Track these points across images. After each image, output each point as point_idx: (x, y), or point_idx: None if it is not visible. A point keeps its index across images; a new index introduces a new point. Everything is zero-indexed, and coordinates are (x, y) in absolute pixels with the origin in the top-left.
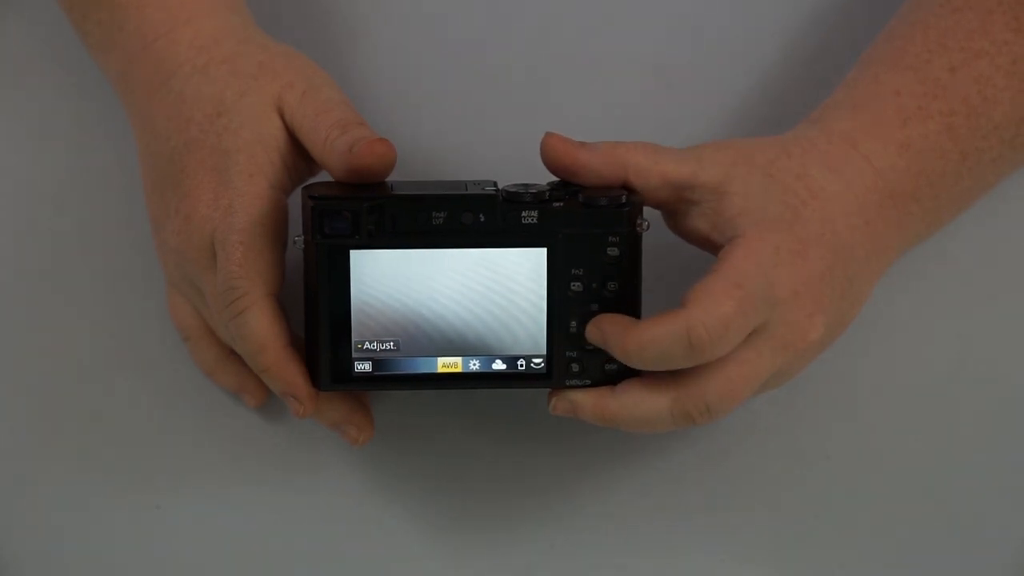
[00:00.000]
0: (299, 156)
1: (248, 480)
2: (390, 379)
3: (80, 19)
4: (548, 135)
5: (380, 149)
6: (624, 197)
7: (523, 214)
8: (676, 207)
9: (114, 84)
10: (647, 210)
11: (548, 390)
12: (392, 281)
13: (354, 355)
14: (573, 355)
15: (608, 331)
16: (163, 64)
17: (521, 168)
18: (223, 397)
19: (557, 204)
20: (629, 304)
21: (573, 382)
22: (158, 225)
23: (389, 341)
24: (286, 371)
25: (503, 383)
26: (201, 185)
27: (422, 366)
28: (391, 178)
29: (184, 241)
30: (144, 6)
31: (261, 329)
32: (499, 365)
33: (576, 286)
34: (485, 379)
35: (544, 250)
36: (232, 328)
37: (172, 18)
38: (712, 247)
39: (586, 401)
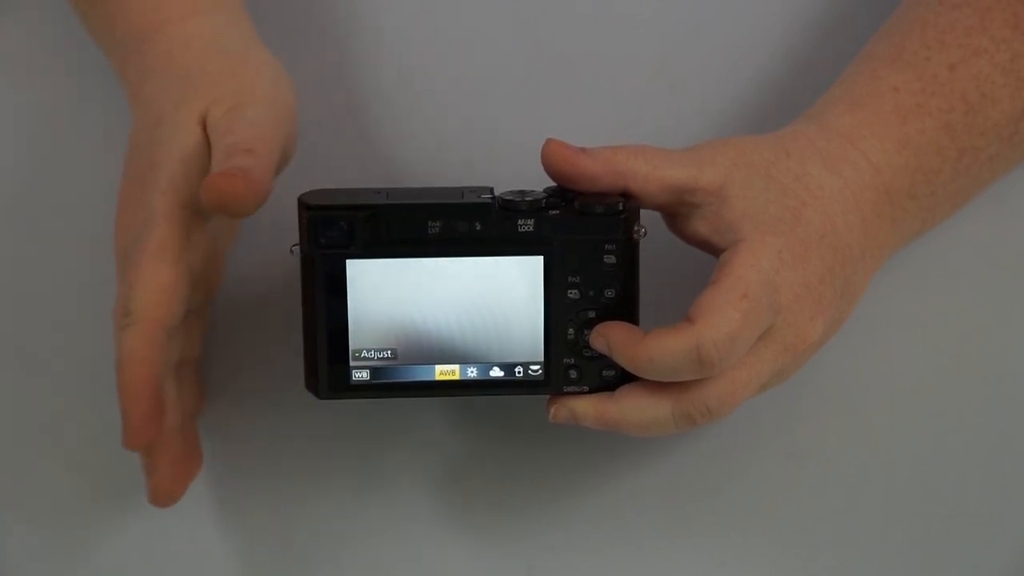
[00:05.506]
0: None
1: (248, 483)
2: (388, 387)
3: (83, 20)
4: (549, 141)
5: (219, 184)
6: (620, 204)
7: (519, 222)
8: (676, 210)
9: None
10: (645, 216)
11: (546, 396)
12: (389, 290)
13: (352, 364)
14: (571, 362)
15: (614, 340)
16: (142, 70)
17: (520, 172)
18: (223, 397)
19: (553, 212)
20: (627, 311)
21: (571, 389)
22: None
23: (387, 350)
24: (130, 394)
25: (501, 390)
26: (129, 194)
27: (420, 374)
28: (387, 186)
29: (115, 245)
30: (129, 11)
31: (127, 349)
32: (496, 372)
33: (573, 293)
34: (483, 386)
35: (540, 258)
36: (115, 343)
37: (151, 23)
38: (713, 250)
39: (586, 408)
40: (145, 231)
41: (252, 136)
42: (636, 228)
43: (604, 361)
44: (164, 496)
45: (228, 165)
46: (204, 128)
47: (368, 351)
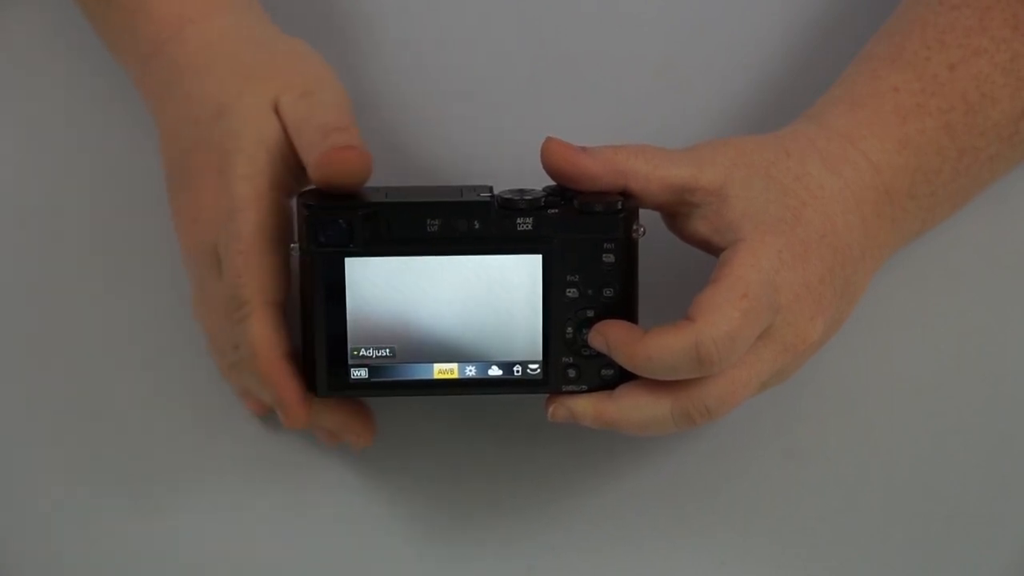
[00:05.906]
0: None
1: (249, 483)
2: (387, 386)
3: (100, 22)
4: (548, 139)
5: (340, 157)
6: (619, 203)
7: (518, 220)
8: (676, 210)
9: (135, 85)
10: (644, 215)
11: (545, 395)
12: (388, 288)
13: (350, 362)
14: (569, 361)
15: (613, 339)
16: (173, 65)
17: (520, 170)
18: (224, 399)
19: (552, 211)
20: (626, 310)
21: (569, 388)
22: (176, 226)
23: (385, 348)
24: (277, 380)
25: (499, 389)
26: (205, 187)
27: (418, 372)
28: (386, 184)
29: (192, 244)
30: (153, 8)
31: (255, 338)
32: (495, 371)
33: (572, 292)
34: (481, 385)
35: (539, 256)
36: (233, 336)
37: (180, 18)
38: (713, 249)
39: (585, 407)
40: (237, 219)
41: (336, 117)
42: (635, 227)
43: (603, 360)
44: (362, 441)
45: (331, 142)
46: (278, 114)
47: (367, 349)
